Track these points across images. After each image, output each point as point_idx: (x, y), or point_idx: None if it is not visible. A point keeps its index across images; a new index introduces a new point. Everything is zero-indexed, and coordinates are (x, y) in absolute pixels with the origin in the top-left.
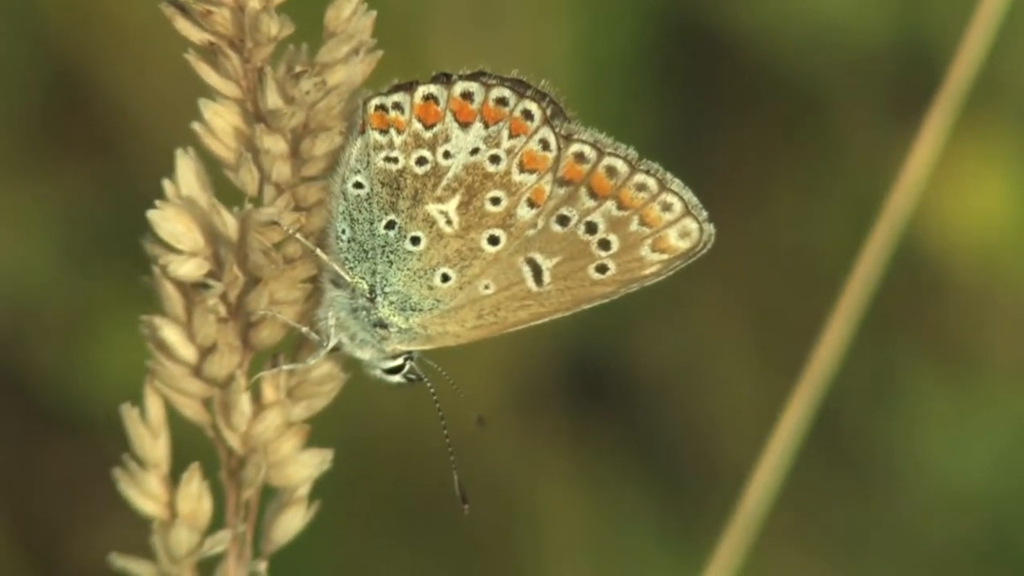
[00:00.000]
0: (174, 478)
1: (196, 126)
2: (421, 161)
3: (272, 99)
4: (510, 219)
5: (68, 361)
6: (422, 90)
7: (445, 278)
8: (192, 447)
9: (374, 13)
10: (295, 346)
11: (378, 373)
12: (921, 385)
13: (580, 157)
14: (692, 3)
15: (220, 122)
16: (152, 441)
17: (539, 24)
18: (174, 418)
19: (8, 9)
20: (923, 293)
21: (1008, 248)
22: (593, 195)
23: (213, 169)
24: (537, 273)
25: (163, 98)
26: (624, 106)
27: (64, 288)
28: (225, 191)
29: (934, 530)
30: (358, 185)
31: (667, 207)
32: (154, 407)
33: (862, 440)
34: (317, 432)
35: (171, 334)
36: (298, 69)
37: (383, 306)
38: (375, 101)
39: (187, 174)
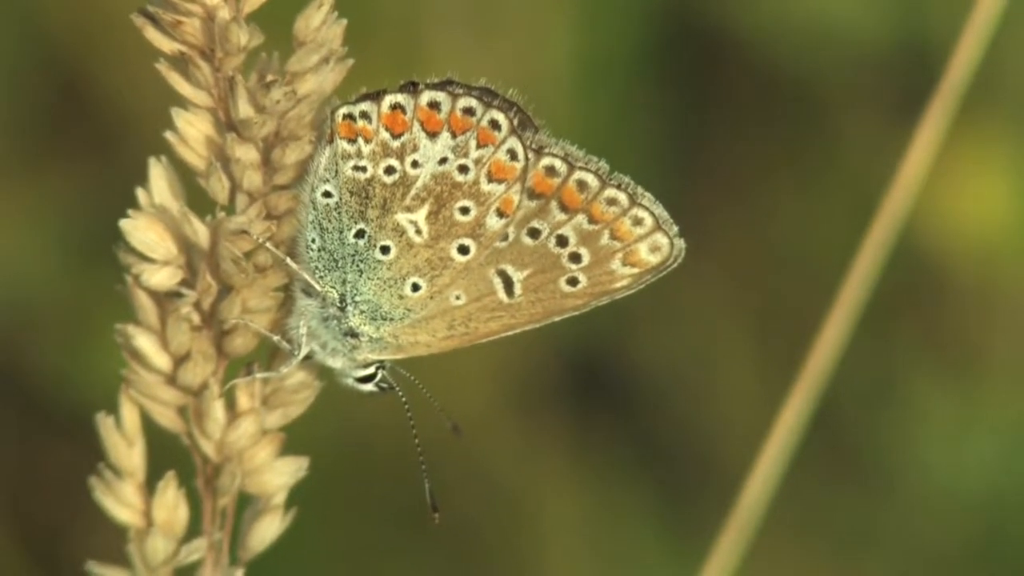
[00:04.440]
0: (150, 486)
1: (168, 135)
2: (389, 170)
3: (243, 108)
4: (479, 229)
5: (67, 361)
6: (389, 99)
7: (415, 287)
8: (168, 455)
9: (344, 22)
10: (270, 355)
11: (350, 382)
12: (920, 385)
13: (551, 170)
14: (692, 4)
15: (192, 131)
16: (127, 449)
17: (539, 25)
18: (150, 426)
19: (8, 11)
20: (922, 293)
21: (1007, 248)
22: (564, 208)
23: (188, 177)
24: (508, 285)
25: (161, 99)
26: (624, 106)
27: (63, 288)
28: (200, 200)
29: (933, 530)
30: (327, 194)
31: (638, 221)
32: (129, 416)
33: (861, 440)
34: (308, 436)
35: (145, 343)
36: (269, 78)
37: (354, 315)
38: (343, 110)
39: (160, 183)
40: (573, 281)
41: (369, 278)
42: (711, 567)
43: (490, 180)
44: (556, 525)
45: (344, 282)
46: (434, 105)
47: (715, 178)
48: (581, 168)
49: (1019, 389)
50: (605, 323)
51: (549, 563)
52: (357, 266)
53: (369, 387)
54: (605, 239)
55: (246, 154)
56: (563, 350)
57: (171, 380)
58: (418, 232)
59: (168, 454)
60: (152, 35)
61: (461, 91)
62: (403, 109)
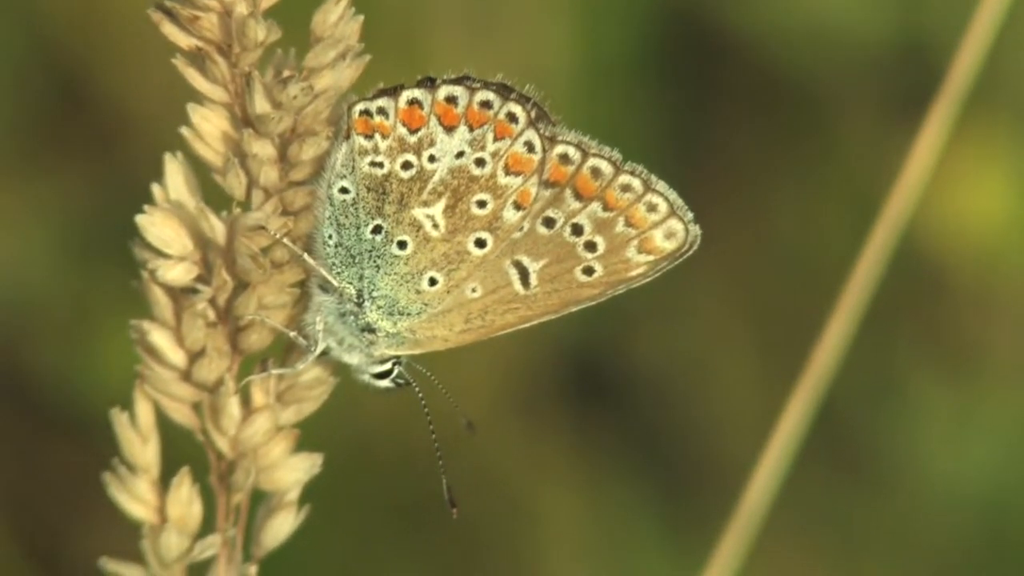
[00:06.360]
0: (164, 482)
1: (184, 130)
2: (406, 165)
3: (260, 104)
4: (496, 222)
5: (69, 361)
6: (406, 95)
7: (432, 282)
8: (182, 451)
9: (361, 18)
10: (285, 351)
11: (366, 378)
12: (921, 384)
13: (565, 159)
14: (692, 3)
15: (208, 126)
16: (142, 446)
17: (538, 24)
18: (164, 422)
19: (8, 9)
20: (923, 293)
21: (1008, 248)
22: (578, 196)
23: (203, 173)
24: (524, 276)
25: (164, 98)
26: (624, 105)
27: (64, 288)
28: (216, 195)
29: (933, 529)
30: (344, 190)
31: (652, 208)
32: (144, 411)
33: (862, 439)
34: (313, 432)
35: (160, 339)
36: (286, 74)
37: (371, 311)
38: (360, 106)
39: (176, 178)
40: (589, 270)
41: (386, 273)
42: (712, 568)
43: (507, 173)
44: (557, 524)
45: (361, 278)
46: (451, 99)
47: (714, 177)
48: (595, 155)
49: (1019, 389)
50: (606, 323)
51: (549, 562)
52: (374, 261)
53: (385, 383)
54: (620, 226)
55: (263, 150)
56: (565, 350)
57: (186, 376)
58: (435, 226)
59: (182, 450)
60: (168, 30)
61: (478, 85)
62: (420, 104)
